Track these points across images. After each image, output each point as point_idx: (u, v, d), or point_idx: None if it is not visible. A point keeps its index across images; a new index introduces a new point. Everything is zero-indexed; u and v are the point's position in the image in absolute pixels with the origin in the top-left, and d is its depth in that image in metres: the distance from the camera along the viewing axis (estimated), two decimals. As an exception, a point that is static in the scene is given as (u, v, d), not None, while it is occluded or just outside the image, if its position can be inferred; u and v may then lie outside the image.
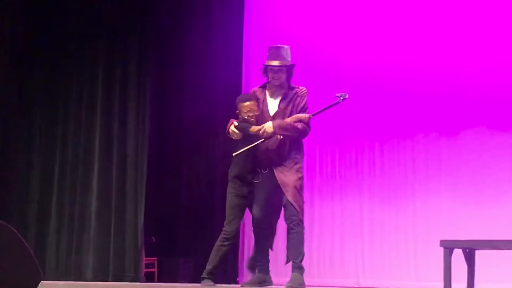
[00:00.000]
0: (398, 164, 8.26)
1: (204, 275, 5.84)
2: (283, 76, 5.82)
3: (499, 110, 7.86)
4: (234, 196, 5.88)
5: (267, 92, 5.91)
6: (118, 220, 8.40)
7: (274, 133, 5.68)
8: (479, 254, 4.96)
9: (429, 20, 8.22)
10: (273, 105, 5.86)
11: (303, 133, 5.78)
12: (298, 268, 5.71)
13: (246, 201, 5.90)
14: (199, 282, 5.90)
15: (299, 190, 5.71)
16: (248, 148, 5.72)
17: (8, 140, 8.75)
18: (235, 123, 5.80)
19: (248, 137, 5.73)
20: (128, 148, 8.54)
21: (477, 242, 5.02)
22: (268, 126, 5.68)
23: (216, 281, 5.88)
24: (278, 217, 5.92)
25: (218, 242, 5.86)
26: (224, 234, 5.84)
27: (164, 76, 9.21)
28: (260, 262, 5.94)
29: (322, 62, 8.49)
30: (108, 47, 8.80)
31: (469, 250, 4.90)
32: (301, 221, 5.71)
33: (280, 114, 5.80)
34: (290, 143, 5.77)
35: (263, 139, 5.69)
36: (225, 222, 5.88)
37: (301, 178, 5.76)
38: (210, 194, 8.96)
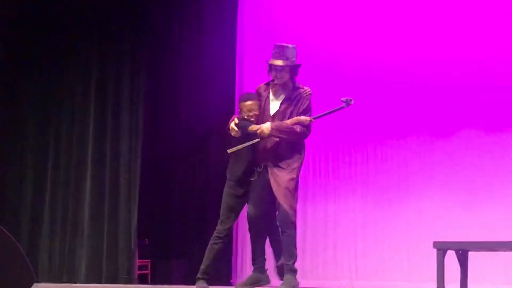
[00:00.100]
0: (391, 166, 8.27)
1: (198, 275, 5.86)
2: (285, 75, 5.74)
3: (492, 112, 7.88)
4: (229, 196, 5.89)
5: (270, 90, 5.84)
6: (111, 222, 8.39)
7: (270, 135, 5.67)
8: (472, 256, 4.97)
9: (422, 23, 8.23)
10: (275, 104, 5.80)
11: (301, 136, 5.70)
12: (291, 270, 5.71)
13: (242, 201, 5.90)
14: (193, 284, 5.89)
15: (291, 191, 5.65)
16: (243, 147, 5.72)
17: (0, 142, 8.73)
18: (236, 120, 5.80)
19: (246, 136, 5.72)
20: (121, 150, 8.53)
21: (470, 243, 5.03)
22: (266, 127, 5.65)
23: (210, 282, 5.88)
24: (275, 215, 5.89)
25: (211, 241, 5.88)
26: (216, 232, 5.86)
27: (157, 77, 9.20)
28: (257, 261, 5.93)
29: (315, 63, 8.48)
30: (102, 49, 8.79)
31: (462, 252, 4.91)
32: (293, 223, 5.67)
33: (280, 114, 5.74)
34: (288, 144, 5.71)
35: (258, 139, 5.68)
36: (218, 221, 5.89)
37: (294, 179, 5.67)
38: (203, 196, 8.96)
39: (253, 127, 5.68)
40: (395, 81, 8.30)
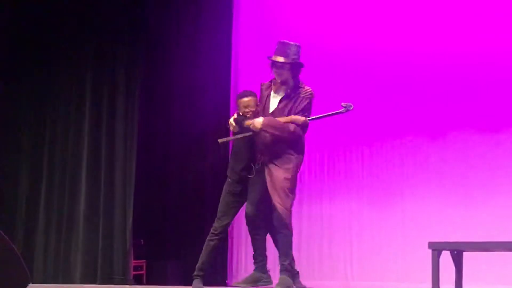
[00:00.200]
0: (386, 166, 8.28)
1: (194, 272, 5.90)
2: (285, 73, 5.72)
3: (486, 113, 7.90)
4: (226, 193, 5.93)
5: (272, 88, 5.84)
6: (107, 222, 8.37)
7: (261, 129, 5.65)
8: (467, 256, 4.98)
9: (418, 23, 8.25)
10: (274, 102, 5.79)
11: (294, 135, 5.66)
12: (286, 270, 5.70)
13: (240, 199, 5.91)
14: (188, 285, 5.91)
15: (285, 191, 5.62)
16: (233, 138, 5.82)
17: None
18: (235, 115, 5.85)
19: (243, 130, 5.77)
20: (116, 150, 8.51)
21: (464, 244, 5.03)
22: (258, 121, 5.65)
23: (205, 282, 5.89)
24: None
25: (207, 238, 5.92)
26: (212, 229, 5.90)
27: (152, 78, 9.19)
28: (257, 259, 5.92)
29: (309, 64, 8.48)
30: (97, 50, 8.76)
31: (457, 252, 4.92)
32: (287, 224, 5.64)
33: (278, 112, 5.73)
34: (286, 142, 5.67)
35: (251, 133, 5.68)
36: (215, 219, 5.92)
37: (289, 179, 5.63)
38: (199, 196, 8.95)
39: (248, 122, 5.70)
40: (390, 82, 8.32)
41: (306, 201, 8.49)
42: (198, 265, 5.89)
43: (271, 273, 5.98)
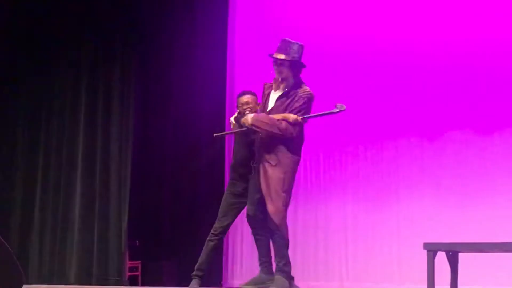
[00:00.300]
0: (382, 168, 8.28)
1: (193, 272, 5.90)
2: (285, 70, 5.70)
3: (482, 113, 7.91)
4: (227, 194, 5.97)
5: (273, 86, 5.83)
6: (102, 223, 8.36)
7: (252, 125, 5.63)
8: (462, 257, 4.98)
9: (412, 25, 8.26)
10: (273, 100, 5.77)
11: (285, 133, 5.58)
12: (281, 271, 5.68)
13: (241, 201, 5.91)
14: (183, 285, 5.90)
15: (279, 192, 5.55)
16: (228, 133, 6.07)
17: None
18: (236, 114, 5.90)
19: (241, 128, 5.79)
20: (111, 151, 8.51)
21: (460, 244, 5.03)
22: (250, 116, 5.66)
23: (200, 283, 5.88)
24: None
25: (207, 238, 5.93)
26: (212, 230, 5.92)
27: (148, 79, 9.19)
28: (260, 261, 5.90)
29: (305, 63, 8.48)
30: (92, 51, 8.76)
31: (452, 253, 4.92)
32: (279, 226, 5.56)
33: (275, 110, 5.70)
34: (280, 141, 5.63)
35: (244, 128, 5.70)
36: (216, 219, 5.94)
37: (282, 179, 5.56)
38: (194, 197, 8.95)
39: (243, 119, 5.73)
40: (386, 83, 8.32)
41: (302, 202, 8.49)
42: (197, 265, 5.91)
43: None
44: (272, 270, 5.86)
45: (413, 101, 8.18)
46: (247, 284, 5.91)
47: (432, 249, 4.72)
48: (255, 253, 6.04)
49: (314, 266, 8.38)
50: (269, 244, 5.89)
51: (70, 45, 8.80)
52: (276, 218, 5.56)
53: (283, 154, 5.64)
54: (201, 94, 9.00)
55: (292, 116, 5.61)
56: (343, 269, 8.27)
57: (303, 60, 5.78)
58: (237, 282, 8.45)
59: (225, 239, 8.38)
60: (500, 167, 7.74)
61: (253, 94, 5.98)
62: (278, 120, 5.59)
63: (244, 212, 6.02)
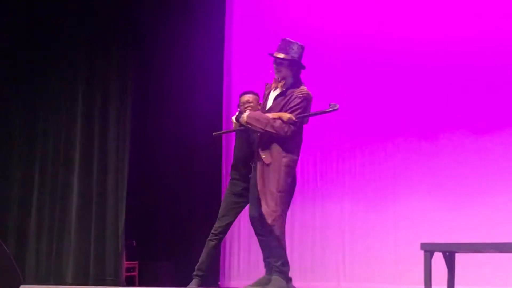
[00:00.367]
0: (379, 168, 8.28)
1: (194, 272, 5.91)
2: (284, 69, 5.67)
3: (479, 113, 7.91)
4: (227, 193, 5.99)
5: (273, 86, 5.80)
6: (99, 224, 8.36)
7: (247, 122, 5.62)
8: (459, 257, 4.99)
9: (410, 26, 8.27)
10: (271, 99, 5.75)
11: (279, 131, 5.52)
12: (279, 271, 5.67)
13: (241, 200, 5.91)
14: (180, 286, 5.89)
15: (272, 191, 5.49)
16: (226, 132, 6.16)
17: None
18: (237, 113, 5.88)
19: (242, 127, 5.78)
20: (108, 152, 8.51)
21: (457, 245, 5.03)
22: (246, 114, 5.66)
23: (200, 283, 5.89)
24: None
25: (207, 238, 5.94)
26: (212, 229, 5.93)
27: (145, 78, 9.18)
28: (264, 262, 5.87)
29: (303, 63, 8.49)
30: (89, 51, 8.76)
31: (449, 253, 4.93)
32: (272, 226, 5.49)
33: (273, 109, 5.67)
34: (276, 140, 5.58)
35: (242, 127, 5.70)
36: (217, 219, 5.95)
37: (277, 179, 5.49)
38: (191, 197, 8.94)
39: (240, 117, 5.73)
40: (383, 83, 8.32)
41: (299, 203, 8.46)
42: (197, 265, 5.92)
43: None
44: None
45: (411, 101, 8.18)
46: (253, 285, 5.88)
47: (429, 250, 4.72)
48: (253, 253, 6.07)
49: (311, 266, 8.37)
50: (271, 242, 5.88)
51: (68, 45, 8.79)
52: (269, 218, 5.49)
53: (278, 153, 5.58)
54: (199, 93, 8.99)
55: (286, 115, 5.59)
56: (340, 269, 8.27)
57: (302, 61, 5.77)
58: (234, 282, 8.45)
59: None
60: (499, 168, 7.75)
61: (255, 94, 6.01)
62: (272, 118, 5.56)
63: (242, 212, 6.02)
